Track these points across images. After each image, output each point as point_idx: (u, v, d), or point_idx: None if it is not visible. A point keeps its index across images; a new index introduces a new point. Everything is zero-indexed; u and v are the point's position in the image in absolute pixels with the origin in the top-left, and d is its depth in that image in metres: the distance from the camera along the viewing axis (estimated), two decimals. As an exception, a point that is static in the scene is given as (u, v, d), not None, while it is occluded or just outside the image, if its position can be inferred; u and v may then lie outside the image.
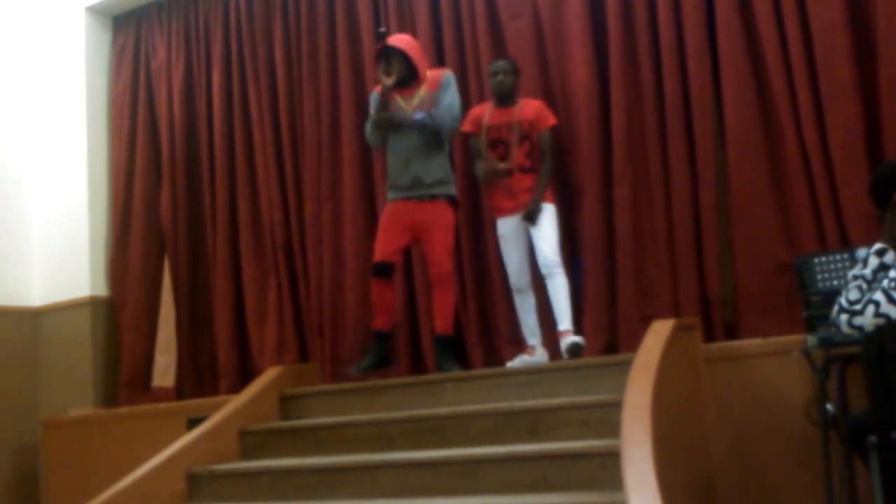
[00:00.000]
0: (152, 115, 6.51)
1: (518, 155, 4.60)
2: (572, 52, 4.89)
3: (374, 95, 4.73)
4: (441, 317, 4.56)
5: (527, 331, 4.63)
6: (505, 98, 4.69)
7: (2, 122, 6.64)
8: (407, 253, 5.12)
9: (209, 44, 6.30)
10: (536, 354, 4.56)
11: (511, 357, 4.72)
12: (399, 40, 4.68)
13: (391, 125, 4.62)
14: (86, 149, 6.51)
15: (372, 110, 4.73)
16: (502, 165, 4.58)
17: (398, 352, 5.15)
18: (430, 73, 4.74)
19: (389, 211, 4.66)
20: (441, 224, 4.56)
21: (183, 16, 6.46)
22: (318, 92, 5.71)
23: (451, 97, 4.61)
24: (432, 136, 4.60)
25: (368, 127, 4.73)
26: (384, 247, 4.60)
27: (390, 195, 4.69)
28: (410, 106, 4.64)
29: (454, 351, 4.60)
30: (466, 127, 4.79)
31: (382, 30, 4.78)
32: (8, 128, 6.67)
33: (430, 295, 4.80)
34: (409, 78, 4.66)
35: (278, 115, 5.90)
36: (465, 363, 5.02)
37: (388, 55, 4.62)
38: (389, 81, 4.57)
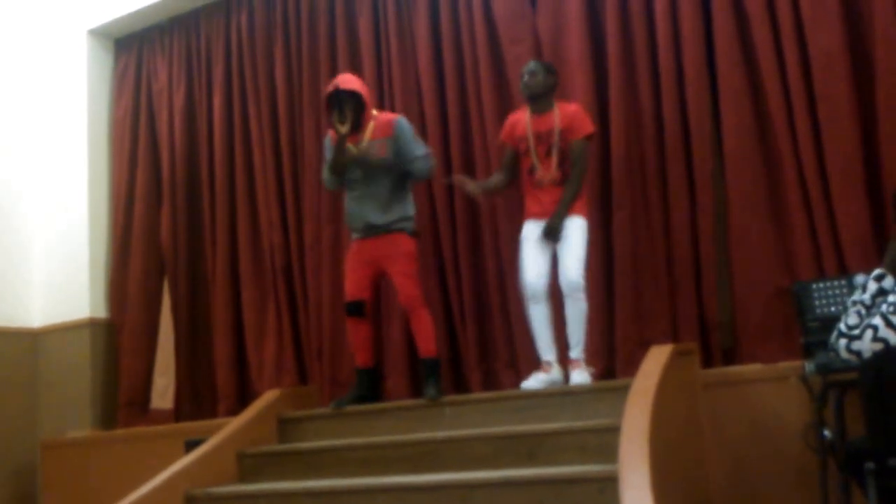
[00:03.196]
0: (153, 137, 6.54)
1: (547, 167, 4.41)
2: (572, 77, 4.92)
3: (328, 141, 4.75)
4: (420, 340, 4.59)
5: (542, 345, 4.36)
6: (536, 100, 4.46)
7: (3, 143, 6.67)
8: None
9: (210, 66, 6.34)
10: (553, 372, 4.33)
11: (513, 380, 4.71)
12: (351, 82, 4.62)
13: (349, 164, 4.62)
14: (86, 170, 6.53)
15: (328, 155, 4.75)
16: (471, 186, 4.62)
17: (397, 375, 5.15)
18: (379, 117, 4.71)
19: (351, 251, 4.75)
20: (399, 252, 4.58)
21: (184, 38, 6.50)
22: (319, 114, 5.73)
23: (411, 141, 4.62)
24: (385, 179, 4.60)
25: (325, 172, 4.76)
26: (351, 286, 4.68)
27: (352, 235, 4.77)
28: (359, 151, 4.62)
29: (440, 373, 4.57)
30: (503, 136, 4.63)
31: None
32: (9, 149, 6.70)
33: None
34: (357, 122, 4.62)
35: (279, 138, 5.93)
36: (464, 387, 5.03)
37: (339, 101, 4.57)
38: (345, 129, 4.53)
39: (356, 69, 5.66)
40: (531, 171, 4.47)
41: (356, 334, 4.71)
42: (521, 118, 4.53)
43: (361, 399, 4.61)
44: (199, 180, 6.26)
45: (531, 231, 4.43)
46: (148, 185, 6.44)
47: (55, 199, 6.65)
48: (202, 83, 6.35)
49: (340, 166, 4.63)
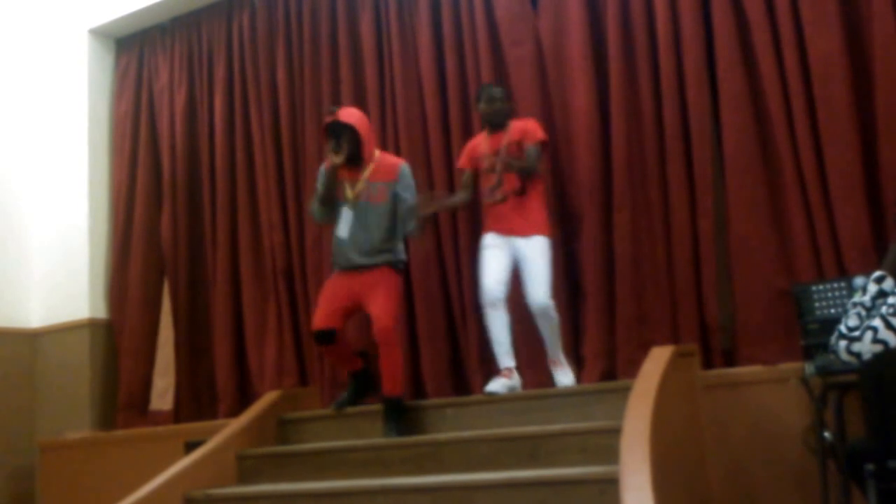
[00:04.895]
0: (154, 137, 6.54)
1: (509, 181, 4.47)
2: (573, 79, 4.93)
3: (322, 170, 4.58)
4: (386, 378, 4.31)
5: (502, 350, 4.39)
6: (495, 126, 4.59)
7: (3, 143, 6.67)
8: (407, 275, 5.17)
9: (212, 67, 6.35)
10: (514, 378, 4.38)
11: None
12: (350, 115, 4.49)
13: (342, 203, 4.51)
14: (87, 170, 6.53)
15: (319, 186, 4.57)
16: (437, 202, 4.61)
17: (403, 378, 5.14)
18: (383, 159, 4.58)
19: (330, 281, 4.56)
20: (381, 285, 4.38)
21: (186, 38, 6.50)
22: (321, 115, 5.73)
23: (412, 195, 4.50)
24: (381, 223, 4.45)
25: (314, 204, 4.60)
26: (322, 315, 4.44)
27: (334, 267, 4.58)
28: (354, 189, 4.49)
29: (402, 411, 4.31)
30: (461, 162, 4.75)
31: (335, 108, 4.56)
32: (9, 148, 6.70)
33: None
34: (355, 157, 4.47)
35: (280, 139, 5.93)
36: (465, 389, 5.04)
37: (337, 131, 4.45)
38: (339, 160, 4.38)
39: (358, 70, 5.67)
40: (493, 188, 4.52)
41: (332, 356, 4.61)
42: (479, 142, 4.67)
43: (360, 394, 4.57)
44: (199, 181, 6.27)
45: (492, 239, 4.50)
46: (148, 186, 6.44)
47: (55, 198, 6.65)
48: (203, 83, 6.36)
49: (330, 198, 4.50)
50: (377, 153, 4.60)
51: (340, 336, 4.47)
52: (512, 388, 4.32)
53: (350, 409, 4.53)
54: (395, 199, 4.48)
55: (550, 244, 4.47)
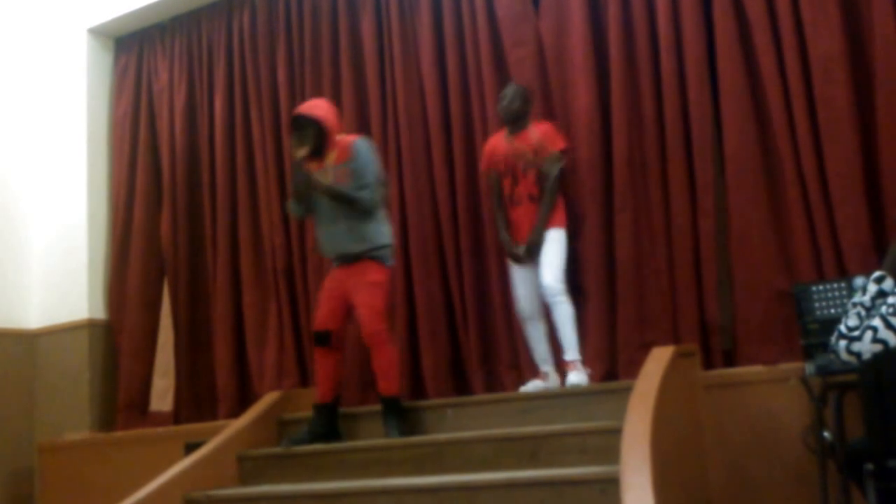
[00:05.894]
0: (153, 137, 6.52)
1: (525, 184, 4.55)
2: (574, 79, 4.93)
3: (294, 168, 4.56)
4: (380, 378, 4.29)
5: (538, 357, 4.54)
6: (514, 124, 4.63)
7: (3, 143, 6.66)
8: (408, 275, 5.19)
9: (212, 66, 6.34)
10: (549, 380, 4.48)
11: (515, 382, 4.71)
12: (312, 108, 4.48)
13: (309, 191, 4.42)
14: (86, 171, 6.52)
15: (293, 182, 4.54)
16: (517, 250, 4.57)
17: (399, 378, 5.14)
18: (342, 141, 4.50)
19: (328, 277, 4.54)
20: (366, 282, 4.31)
21: (185, 38, 6.49)
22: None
23: (365, 167, 4.39)
24: (350, 205, 4.37)
25: (290, 202, 4.60)
26: (320, 315, 4.46)
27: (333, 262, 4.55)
28: (325, 179, 4.42)
29: (400, 411, 4.30)
30: (483, 165, 4.82)
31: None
32: (8, 149, 6.69)
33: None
34: (322, 148, 4.43)
35: (280, 139, 5.92)
36: (466, 389, 5.03)
37: (299, 125, 4.42)
38: (302, 153, 4.35)
39: (359, 70, 5.67)
40: (510, 190, 4.59)
41: (321, 365, 4.41)
42: (498, 141, 4.70)
43: (317, 438, 4.31)
44: (199, 181, 6.25)
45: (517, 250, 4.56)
46: (148, 186, 6.42)
47: (54, 199, 6.63)
48: (203, 83, 6.35)
49: (302, 194, 4.44)
50: (338, 137, 4.52)
51: (336, 341, 4.42)
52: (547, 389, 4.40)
53: (351, 410, 4.53)
54: (354, 177, 4.39)
55: (565, 235, 4.52)
